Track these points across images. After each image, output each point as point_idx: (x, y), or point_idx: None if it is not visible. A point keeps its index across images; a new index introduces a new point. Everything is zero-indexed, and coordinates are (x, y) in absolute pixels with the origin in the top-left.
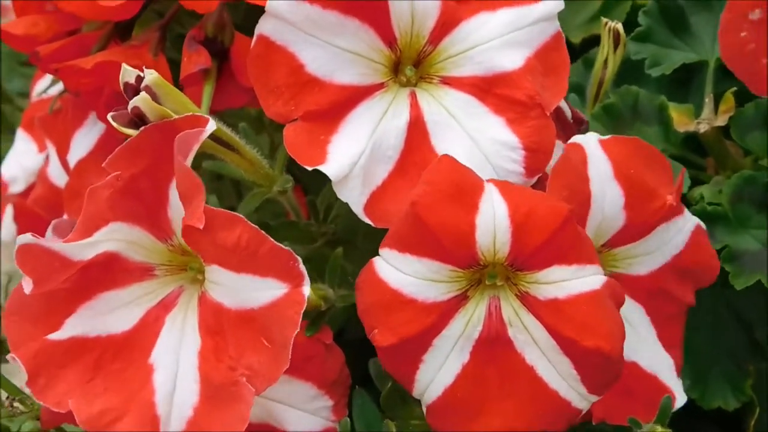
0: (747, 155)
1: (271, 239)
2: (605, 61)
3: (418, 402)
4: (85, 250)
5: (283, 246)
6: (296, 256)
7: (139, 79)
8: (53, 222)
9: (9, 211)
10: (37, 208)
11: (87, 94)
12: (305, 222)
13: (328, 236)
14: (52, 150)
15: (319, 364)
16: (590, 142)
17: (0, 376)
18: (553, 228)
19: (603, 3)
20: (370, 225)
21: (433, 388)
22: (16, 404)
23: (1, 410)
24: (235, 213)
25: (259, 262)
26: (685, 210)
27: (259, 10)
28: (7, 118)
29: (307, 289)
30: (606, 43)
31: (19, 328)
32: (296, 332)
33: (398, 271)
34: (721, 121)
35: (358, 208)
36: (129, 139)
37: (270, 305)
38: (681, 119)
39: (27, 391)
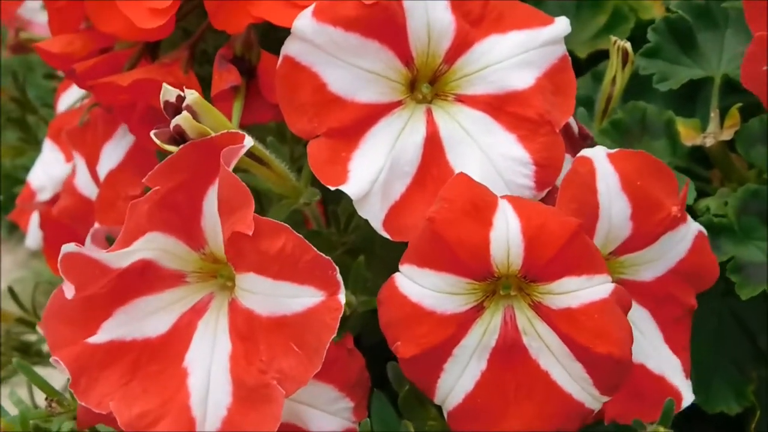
0: (751, 168)
1: (314, 248)
2: (614, 78)
3: (434, 403)
4: (123, 258)
5: (324, 256)
6: (335, 265)
7: (180, 98)
8: (91, 230)
9: (35, 218)
10: (64, 217)
11: (119, 109)
12: (327, 231)
13: (348, 245)
14: (80, 161)
15: (342, 367)
16: (598, 155)
17: (39, 379)
18: (563, 241)
19: (608, 19)
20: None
21: (454, 395)
22: (54, 405)
23: (40, 411)
24: (279, 222)
25: (299, 270)
26: (688, 217)
27: (277, 29)
28: (31, 128)
29: (343, 297)
30: (615, 60)
31: (58, 331)
32: (332, 338)
33: (418, 285)
34: (727, 135)
35: (377, 225)
36: (169, 156)
37: (306, 312)
38: (688, 133)
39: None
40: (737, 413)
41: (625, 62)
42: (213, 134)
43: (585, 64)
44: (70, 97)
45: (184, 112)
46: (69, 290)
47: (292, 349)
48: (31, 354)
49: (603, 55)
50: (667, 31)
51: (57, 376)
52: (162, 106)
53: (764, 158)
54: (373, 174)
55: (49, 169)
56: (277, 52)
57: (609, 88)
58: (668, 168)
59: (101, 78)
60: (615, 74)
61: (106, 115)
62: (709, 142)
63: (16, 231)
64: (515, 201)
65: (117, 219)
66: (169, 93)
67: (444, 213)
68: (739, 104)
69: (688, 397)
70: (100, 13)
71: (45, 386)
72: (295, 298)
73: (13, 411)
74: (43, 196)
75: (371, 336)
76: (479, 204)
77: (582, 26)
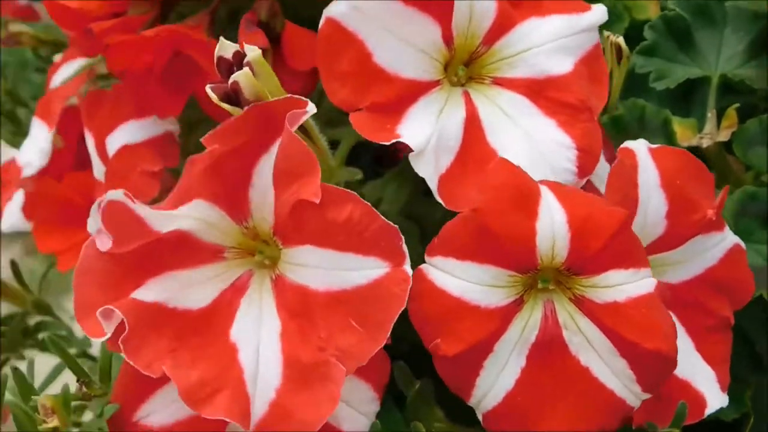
0: (749, 170)
1: (381, 216)
2: (610, 74)
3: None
4: (166, 221)
5: (391, 224)
6: (401, 234)
7: (238, 54)
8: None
9: (17, 198)
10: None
11: (132, 76)
12: None
13: None
14: (90, 139)
15: (377, 366)
16: (641, 149)
17: (70, 359)
18: (610, 233)
19: None
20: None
21: (493, 393)
22: (84, 388)
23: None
24: (346, 189)
25: (365, 240)
26: (726, 227)
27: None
28: (22, 122)
29: (409, 268)
30: (609, 56)
31: (87, 292)
32: (401, 310)
33: (458, 279)
34: (724, 136)
35: (434, 182)
36: (231, 118)
37: (370, 284)
38: (684, 133)
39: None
40: (733, 419)
41: (619, 58)
42: (270, 98)
43: None
44: (59, 77)
45: (246, 69)
46: (105, 242)
47: (351, 325)
48: (31, 338)
49: None
50: (665, 29)
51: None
52: (215, 62)
53: (762, 160)
54: (425, 135)
55: (35, 143)
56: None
57: None
58: (708, 170)
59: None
60: (611, 70)
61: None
62: (705, 142)
63: None
64: (557, 188)
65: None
66: (225, 48)
67: (491, 203)
68: (737, 105)
69: (714, 404)
70: None
71: (76, 367)
72: (359, 271)
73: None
74: (28, 171)
75: None
76: (524, 193)
77: None
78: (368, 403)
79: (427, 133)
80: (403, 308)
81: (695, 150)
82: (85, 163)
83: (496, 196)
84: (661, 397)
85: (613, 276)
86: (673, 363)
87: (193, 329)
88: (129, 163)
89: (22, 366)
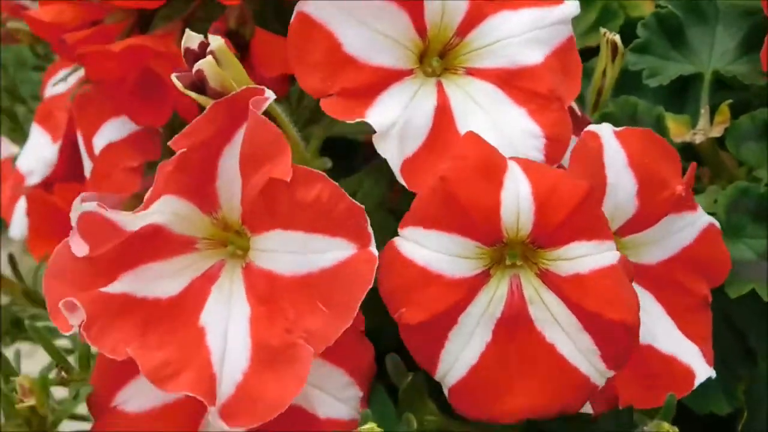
0: (741, 166)
1: (348, 196)
2: (604, 71)
3: (435, 398)
4: (138, 221)
5: (357, 203)
6: (366, 215)
7: (203, 45)
8: (80, 195)
9: (21, 205)
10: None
11: (109, 83)
12: None
13: None
14: (80, 140)
15: (352, 351)
16: (605, 131)
17: (50, 345)
18: (574, 204)
19: (597, 16)
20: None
21: (457, 367)
22: (64, 375)
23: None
24: (314, 170)
25: (333, 220)
26: (699, 207)
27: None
28: (20, 120)
29: (375, 249)
30: (604, 53)
31: (60, 291)
32: (368, 290)
33: (424, 248)
34: (717, 132)
35: (396, 165)
36: (196, 119)
37: (337, 266)
38: (678, 129)
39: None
40: (727, 413)
41: (614, 55)
42: (234, 85)
43: None
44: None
45: (209, 57)
46: (81, 249)
47: (317, 307)
48: (22, 330)
49: (592, 52)
50: (657, 26)
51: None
52: (183, 53)
53: (754, 155)
54: (391, 119)
55: (37, 152)
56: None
57: (599, 81)
58: (672, 148)
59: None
60: (605, 67)
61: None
62: (698, 138)
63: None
64: (525, 163)
65: (111, 189)
66: (191, 39)
67: (457, 171)
68: (730, 101)
69: (701, 374)
70: None
71: (56, 353)
72: (326, 253)
73: None
74: (33, 179)
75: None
76: (490, 163)
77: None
78: (344, 388)
79: (393, 116)
80: (369, 287)
81: (688, 146)
82: (76, 171)
83: (463, 165)
84: (649, 375)
85: (576, 248)
86: (636, 334)
87: (161, 316)
88: (111, 161)
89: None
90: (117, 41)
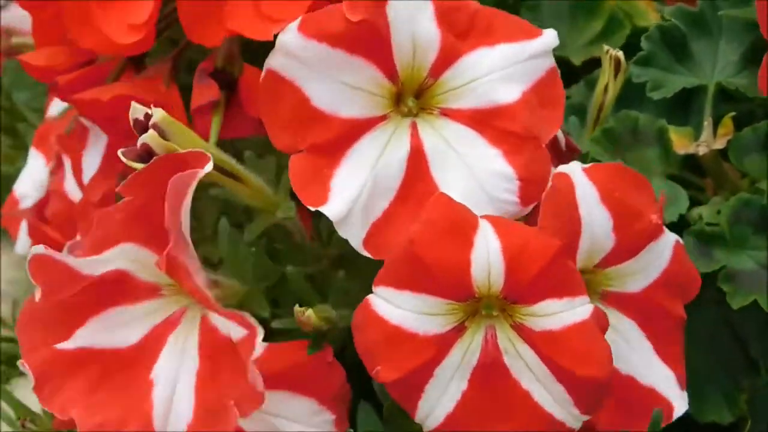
0: (744, 177)
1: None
2: (606, 87)
3: None
4: (94, 265)
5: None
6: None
7: (148, 116)
8: (68, 244)
9: (24, 225)
10: (55, 222)
11: (103, 123)
12: (310, 245)
13: (332, 257)
14: (69, 166)
15: (321, 380)
16: (575, 170)
17: (11, 398)
18: (544, 262)
19: (604, 26)
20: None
21: (435, 415)
22: (28, 424)
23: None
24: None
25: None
26: (665, 227)
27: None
28: (21, 136)
29: (260, 338)
30: (607, 69)
31: (30, 337)
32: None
33: (397, 307)
34: (720, 144)
35: (357, 245)
36: (140, 169)
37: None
38: (681, 142)
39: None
40: (730, 423)
41: (617, 71)
42: (180, 151)
43: (580, 70)
44: (56, 107)
45: (151, 131)
46: (37, 293)
47: (244, 371)
48: (16, 367)
49: (598, 62)
50: (661, 39)
51: None
52: (132, 123)
53: (757, 167)
54: (354, 193)
55: (32, 175)
56: (259, 64)
57: (601, 96)
58: (644, 178)
59: (83, 91)
60: (607, 83)
61: (82, 122)
62: (702, 150)
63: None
64: (496, 221)
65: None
66: (137, 111)
67: (424, 234)
68: (733, 113)
69: (679, 408)
70: (78, 28)
71: (17, 405)
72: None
73: None
74: (26, 203)
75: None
76: (459, 224)
77: (577, 32)
78: (314, 415)
79: (357, 186)
80: (248, 373)
81: (692, 157)
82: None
83: (429, 228)
84: (628, 405)
85: (548, 305)
86: (608, 386)
87: (116, 369)
88: (88, 198)
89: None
90: (107, 84)
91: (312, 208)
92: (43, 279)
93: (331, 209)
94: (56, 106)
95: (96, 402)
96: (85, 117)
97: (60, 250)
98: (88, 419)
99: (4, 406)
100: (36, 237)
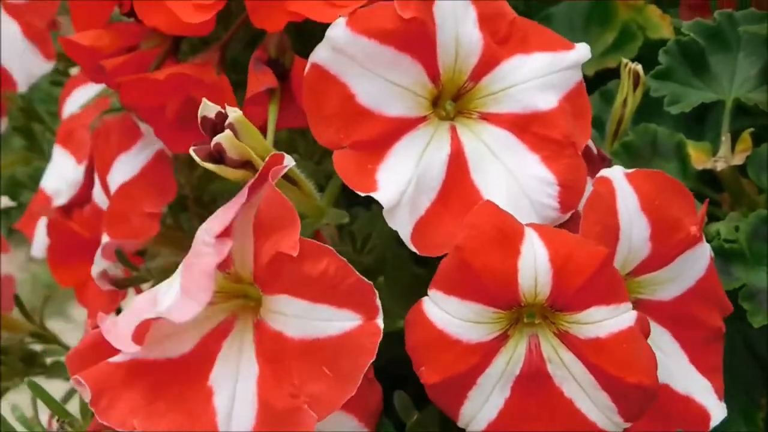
0: (762, 193)
1: (356, 272)
2: (624, 100)
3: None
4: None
5: (365, 280)
6: (375, 290)
7: (220, 115)
8: (102, 244)
9: (41, 226)
10: (85, 227)
11: (146, 111)
12: (345, 251)
13: (364, 265)
14: (98, 178)
15: (363, 398)
16: (617, 176)
17: (49, 398)
18: (592, 270)
19: (616, 38)
20: (398, 256)
21: (477, 422)
22: (66, 426)
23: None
24: (323, 244)
25: (339, 293)
26: (703, 237)
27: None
28: (37, 137)
29: (381, 322)
30: (625, 82)
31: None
32: (371, 361)
33: (444, 312)
34: (739, 159)
35: (406, 236)
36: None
37: (342, 335)
38: (699, 157)
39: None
40: None
41: (636, 85)
42: (253, 154)
43: (592, 82)
44: (75, 103)
45: (227, 131)
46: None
47: (324, 373)
48: (35, 365)
49: (610, 74)
50: (679, 53)
51: (60, 388)
52: (199, 121)
53: None
54: (402, 184)
55: (62, 173)
56: (305, 56)
57: (620, 110)
58: (685, 187)
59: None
60: (626, 96)
61: (124, 124)
62: (720, 166)
63: (15, 233)
64: (541, 229)
65: (129, 233)
66: (208, 108)
67: (471, 241)
68: (751, 129)
69: (717, 416)
70: (145, 5)
71: (55, 406)
72: (332, 321)
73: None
74: (59, 200)
75: (377, 360)
76: (506, 231)
77: (590, 43)
78: None
79: (405, 178)
80: (372, 360)
81: (707, 172)
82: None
83: (475, 234)
84: (664, 414)
85: (595, 312)
86: (654, 394)
87: (172, 377)
88: (128, 204)
89: (22, 396)
90: (150, 70)
91: (362, 194)
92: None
93: (382, 195)
94: (74, 102)
95: (157, 412)
96: (127, 104)
97: (84, 247)
98: (152, 429)
99: (4, 407)
100: (57, 236)
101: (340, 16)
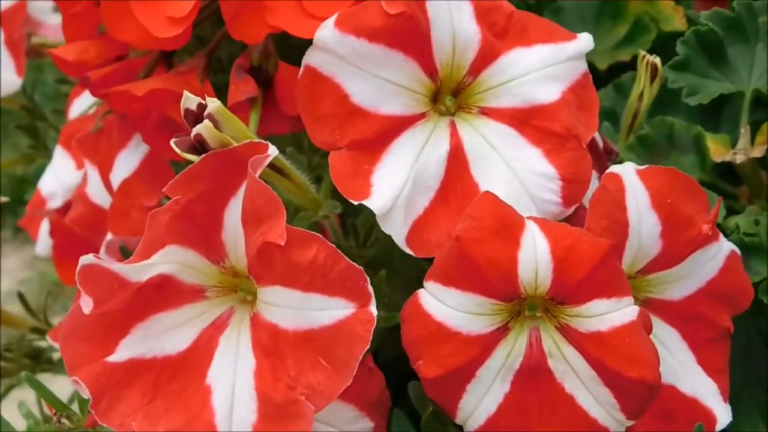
0: None
1: (346, 258)
2: (641, 93)
3: (456, 426)
4: (142, 271)
5: (356, 265)
6: (366, 276)
7: (201, 106)
8: (105, 241)
9: (45, 225)
10: (77, 226)
11: (133, 118)
12: (346, 244)
13: (367, 258)
14: (91, 170)
15: (361, 386)
16: (628, 171)
17: (47, 393)
18: (594, 263)
19: (629, 30)
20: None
21: (476, 416)
22: (63, 420)
23: (49, 427)
24: (311, 232)
25: (330, 281)
26: (720, 236)
27: (294, 37)
28: (41, 135)
29: (374, 309)
30: (642, 75)
31: (76, 350)
32: (366, 349)
33: (443, 304)
34: (758, 152)
35: (400, 241)
36: (190, 166)
37: (336, 324)
38: (717, 149)
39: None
40: None
41: (653, 77)
42: (235, 144)
43: (605, 75)
44: (83, 103)
45: (206, 121)
46: (87, 305)
47: (320, 363)
48: (42, 361)
49: (623, 67)
50: (697, 43)
51: (67, 383)
52: (182, 114)
53: None
54: (396, 188)
55: (59, 176)
56: (293, 62)
57: (636, 103)
58: (698, 185)
59: (116, 86)
60: (642, 89)
61: (121, 122)
62: (739, 158)
63: (21, 232)
64: (542, 222)
65: (131, 229)
66: (189, 101)
67: (471, 232)
68: None
69: (723, 419)
70: (116, 21)
71: (53, 400)
72: (325, 311)
73: (21, 422)
74: (54, 203)
75: (388, 352)
76: (507, 223)
77: (602, 37)
78: (353, 421)
79: (399, 182)
80: (366, 348)
81: (725, 165)
82: None
83: (475, 225)
84: (669, 415)
85: (597, 305)
86: (657, 390)
87: (171, 375)
88: (129, 199)
89: (25, 392)
90: (139, 80)
91: (355, 202)
92: (92, 288)
93: (374, 203)
94: (79, 106)
95: (155, 412)
96: (117, 111)
97: (85, 249)
98: (150, 428)
99: (12, 403)
100: (59, 237)
101: (316, 30)
